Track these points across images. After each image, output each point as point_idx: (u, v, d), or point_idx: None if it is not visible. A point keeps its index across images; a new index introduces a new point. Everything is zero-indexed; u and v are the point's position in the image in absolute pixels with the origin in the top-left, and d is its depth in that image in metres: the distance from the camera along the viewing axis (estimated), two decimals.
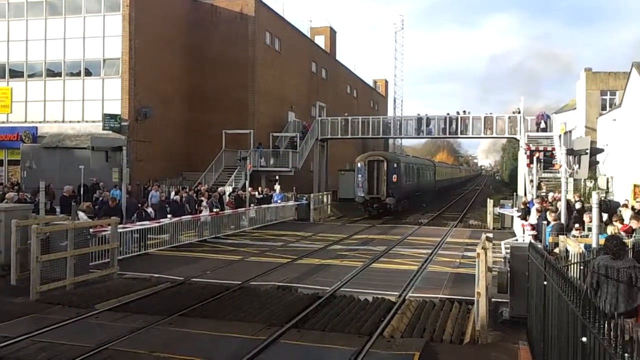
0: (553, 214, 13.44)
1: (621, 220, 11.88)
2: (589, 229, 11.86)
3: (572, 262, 7.68)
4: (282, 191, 27.85)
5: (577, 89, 39.53)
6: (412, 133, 38.49)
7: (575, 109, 40.08)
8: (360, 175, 32.59)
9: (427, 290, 11.48)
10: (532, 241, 10.60)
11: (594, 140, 26.43)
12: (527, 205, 18.96)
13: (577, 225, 12.83)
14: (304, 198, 28.79)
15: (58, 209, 17.74)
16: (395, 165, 33.68)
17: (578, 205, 16.70)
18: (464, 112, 36.24)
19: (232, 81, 34.13)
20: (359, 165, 33.13)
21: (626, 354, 2.88)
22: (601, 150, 24.50)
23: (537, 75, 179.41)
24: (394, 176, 33.03)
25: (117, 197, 17.47)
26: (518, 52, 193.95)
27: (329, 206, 32.31)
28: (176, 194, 20.91)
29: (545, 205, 16.39)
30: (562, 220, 13.63)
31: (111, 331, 8.50)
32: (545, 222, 13.58)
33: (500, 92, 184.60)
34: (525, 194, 26.31)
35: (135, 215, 16.81)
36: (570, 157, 13.84)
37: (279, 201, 26.72)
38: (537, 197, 19.10)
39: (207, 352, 7.70)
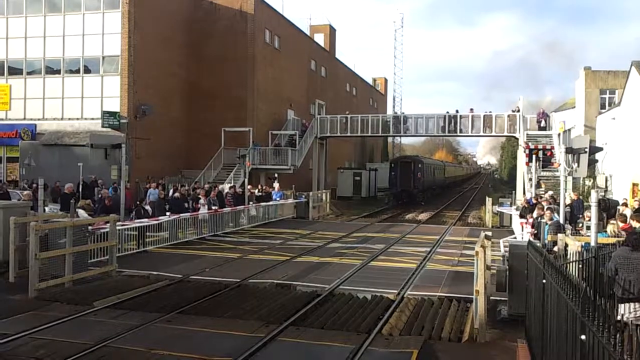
0: (549, 214, 13.45)
1: (624, 219, 11.89)
2: (588, 228, 11.87)
3: (571, 260, 7.68)
4: (280, 189, 27.83)
5: (576, 87, 39.53)
6: (411, 131, 38.46)
7: (574, 107, 40.10)
8: (393, 173, 42.18)
9: (425, 288, 11.49)
10: (531, 239, 10.61)
11: (593, 139, 26.40)
12: (528, 202, 18.92)
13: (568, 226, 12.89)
14: (303, 196, 28.79)
15: (52, 206, 17.77)
16: (419, 165, 43.45)
17: (567, 201, 16.77)
18: (471, 110, 36.14)
19: (232, 79, 34.10)
20: (392, 165, 43.91)
21: (626, 354, 2.87)
22: (600, 149, 24.54)
23: (541, 72, 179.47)
24: (419, 174, 42.37)
25: (110, 195, 17.49)
26: (520, 49, 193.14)
27: (327, 204, 32.36)
28: (174, 191, 20.89)
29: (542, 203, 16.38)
30: (561, 220, 13.63)
31: (110, 328, 8.50)
32: (544, 221, 13.57)
33: (504, 90, 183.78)
34: (524, 193, 26.33)
35: (134, 212, 16.80)
36: (570, 155, 13.83)
37: (278, 199, 26.72)
38: (536, 195, 19.11)
39: (205, 350, 7.70)
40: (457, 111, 36.27)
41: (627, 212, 14.81)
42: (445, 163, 70.55)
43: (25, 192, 17.26)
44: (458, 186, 76.77)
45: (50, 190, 20.84)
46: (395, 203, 41.52)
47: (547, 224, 12.69)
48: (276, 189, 27.54)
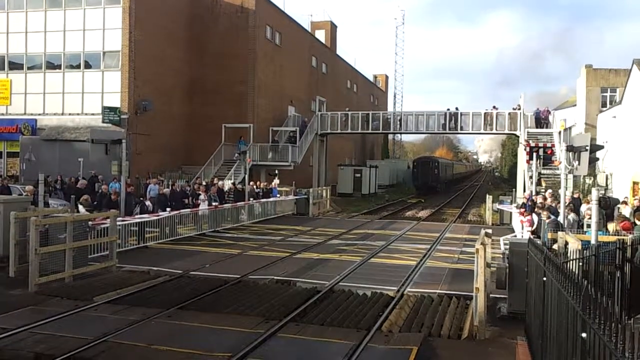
0: (546, 212, 13.46)
1: (625, 219, 11.89)
2: (589, 226, 11.87)
3: (572, 258, 7.68)
4: (277, 185, 27.70)
5: (577, 85, 39.50)
6: (412, 129, 38.40)
7: (575, 105, 40.07)
8: (415, 170, 55.25)
9: (425, 286, 11.49)
10: (532, 237, 10.60)
11: (593, 137, 26.35)
12: (530, 199, 18.87)
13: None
14: (303, 192, 28.76)
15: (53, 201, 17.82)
16: (436, 163, 56.15)
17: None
18: (494, 107, 35.83)
19: (232, 75, 34.06)
20: (415, 163, 57.30)
21: (627, 352, 2.87)
22: (601, 147, 24.45)
23: (547, 69, 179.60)
24: (435, 170, 54.55)
25: (117, 189, 17.43)
26: (523, 47, 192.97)
27: (328, 201, 32.34)
28: (172, 186, 20.88)
29: (543, 202, 16.37)
30: (561, 218, 13.62)
31: (110, 324, 8.50)
32: (544, 219, 13.56)
33: (508, 88, 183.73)
34: (524, 190, 26.31)
35: (138, 207, 16.76)
36: (570, 153, 13.83)
37: (277, 196, 26.68)
38: (537, 193, 19.08)
39: (205, 345, 7.70)
40: (457, 108, 36.27)
41: (625, 210, 14.84)
42: (453, 162, 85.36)
43: (28, 187, 17.26)
44: (463, 181, 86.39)
45: (67, 187, 21.04)
46: (417, 193, 51.21)
47: (546, 222, 12.69)
48: (274, 185, 27.48)
